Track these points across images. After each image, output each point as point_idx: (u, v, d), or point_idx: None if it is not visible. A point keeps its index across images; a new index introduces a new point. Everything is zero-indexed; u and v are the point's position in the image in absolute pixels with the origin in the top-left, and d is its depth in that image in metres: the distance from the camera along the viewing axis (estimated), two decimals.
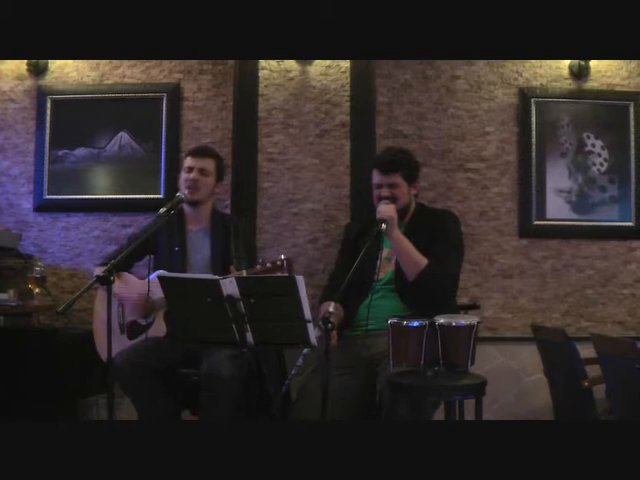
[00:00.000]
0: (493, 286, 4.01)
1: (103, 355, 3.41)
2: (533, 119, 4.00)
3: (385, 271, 3.38)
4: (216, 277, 2.72)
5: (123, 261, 3.21)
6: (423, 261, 3.24)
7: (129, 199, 4.09)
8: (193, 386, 3.23)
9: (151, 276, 3.41)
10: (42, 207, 4.12)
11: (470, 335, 2.75)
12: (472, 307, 3.72)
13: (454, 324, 2.76)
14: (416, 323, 2.77)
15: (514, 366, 3.97)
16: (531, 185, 4.00)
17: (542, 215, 4.00)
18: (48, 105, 4.13)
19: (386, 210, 3.25)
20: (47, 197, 4.12)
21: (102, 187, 4.12)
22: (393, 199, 3.35)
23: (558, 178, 4.00)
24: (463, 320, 2.79)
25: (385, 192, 3.37)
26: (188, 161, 3.52)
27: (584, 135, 4.01)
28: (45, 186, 4.12)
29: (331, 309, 2.84)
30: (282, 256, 3.10)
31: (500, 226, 4.02)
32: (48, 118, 4.13)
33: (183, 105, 4.09)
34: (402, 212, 3.40)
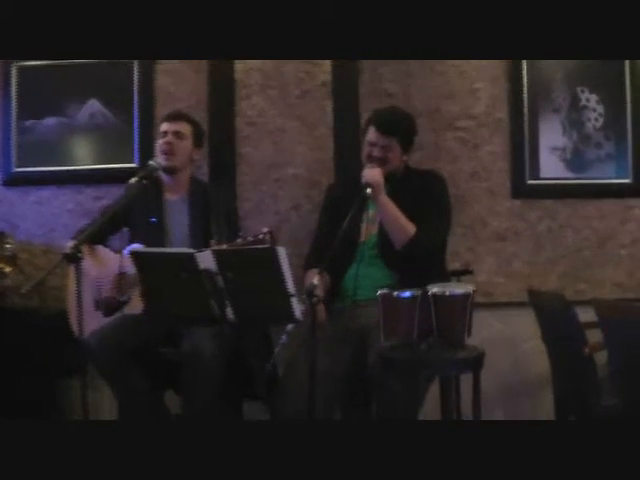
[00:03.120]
0: (486, 250, 3.84)
1: (78, 332, 3.26)
2: (524, 74, 3.80)
3: (369, 233, 3.22)
4: (191, 250, 2.56)
5: (95, 235, 3.06)
6: (411, 229, 3.08)
7: (102, 169, 3.89)
8: (175, 365, 3.07)
9: (125, 250, 3.24)
10: (11, 181, 3.91)
11: (466, 305, 2.58)
12: (464, 272, 3.56)
13: (448, 293, 2.59)
14: (407, 294, 2.60)
15: (509, 332, 3.82)
16: (524, 143, 3.81)
17: (536, 174, 3.82)
18: (13, 73, 3.91)
19: (372, 174, 3.08)
20: (16, 170, 3.91)
21: (73, 158, 3.91)
22: (383, 161, 3.18)
23: (552, 135, 3.81)
24: (458, 289, 2.61)
25: (377, 152, 3.19)
26: (163, 126, 3.34)
27: (578, 90, 3.81)
28: (13, 159, 3.90)
29: (315, 281, 2.68)
30: (265, 228, 2.91)
31: (492, 187, 3.84)
32: (13, 87, 3.90)
33: (156, 69, 3.87)
34: (390, 175, 3.23)
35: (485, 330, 3.78)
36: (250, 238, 2.87)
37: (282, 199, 3.80)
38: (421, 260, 3.11)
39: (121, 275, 3.20)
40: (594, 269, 3.82)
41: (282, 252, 2.48)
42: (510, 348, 3.82)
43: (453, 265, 3.69)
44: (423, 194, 3.22)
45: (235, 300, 2.61)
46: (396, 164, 3.23)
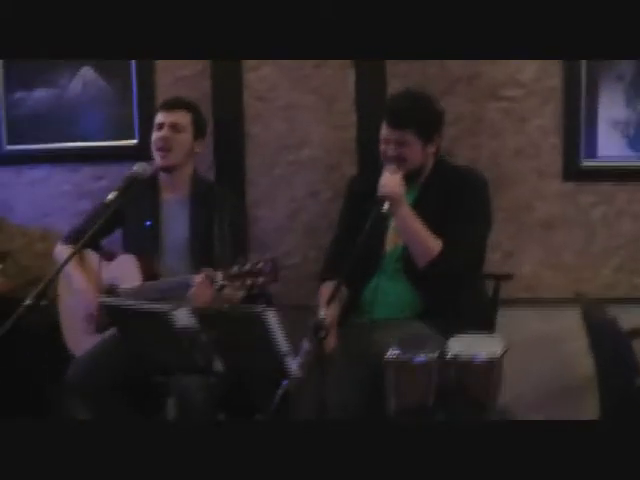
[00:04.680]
0: (531, 238, 3.35)
1: (72, 347, 2.99)
2: None
3: (395, 243, 2.82)
4: (166, 307, 2.21)
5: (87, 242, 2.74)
6: (434, 246, 2.67)
7: (99, 147, 3.51)
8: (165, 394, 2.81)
9: (117, 259, 2.91)
10: (2, 160, 3.56)
11: (491, 370, 2.18)
12: (504, 278, 3.12)
13: (470, 358, 2.18)
14: (421, 358, 2.20)
15: (554, 332, 3.39)
16: (579, 116, 3.24)
17: (592, 153, 3.27)
18: None
19: (389, 185, 2.64)
20: (7, 148, 3.55)
21: (68, 134, 3.51)
22: (400, 160, 2.72)
23: (613, 107, 3.23)
24: (483, 350, 2.20)
25: (392, 151, 2.74)
26: (158, 117, 2.94)
27: None
28: (3, 136, 3.53)
29: (323, 313, 2.32)
30: (267, 256, 2.52)
31: (541, 167, 3.31)
32: None
33: None
34: (414, 174, 2.78)
35: (526, 329, 3.38)
36: (248, 267, 2.49)
37: (297, 185, 3.37)
38: (448, 281, 2.71)
39: (112, 287, 2.88)
40: None
41: (271, 315, 2.13)
42: (554, 349, 3.40)
43: (493, 255, 3.26)
44: (456, 199, 2.77)
45: (223, 356, 2.29)
46: (417, 161, 2.77)
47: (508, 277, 3.13)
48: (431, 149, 2.81)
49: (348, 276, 2.66)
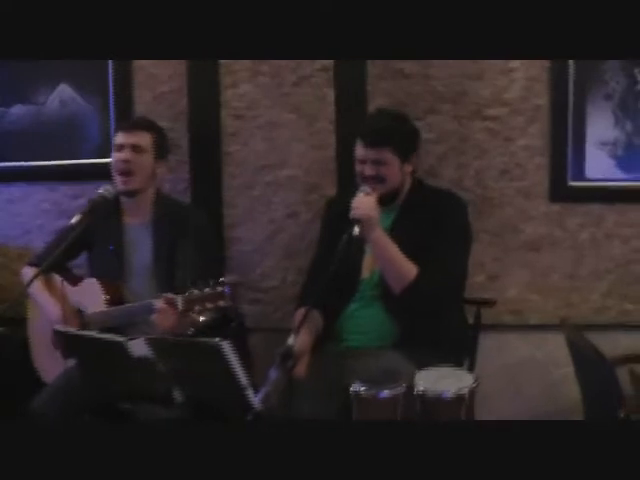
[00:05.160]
0: (517, 261, 3.25)
1: (42, 372, 2.93)
2: None
3: (372, 268, 2.75)
4: (121, 338, 2.13)
5: (52, 265, 2.67)
6: (409, 271, 2.57)
7: (77, 165, 3.44)
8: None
9: (82, 283, 2.84)
10: None
11: (459, 408, 2.08)
12: (485, 303, 3.02)
13: (436, 394, 2.09)
14: (385, 393, 2.11)
15: (541, 357, 3.29)
16: (567, 136, 3.13)
17: (580, 174, 3.16)
18: None
19: (363, 206, 2.55)
20: None
21: (44, 151, 3.45)
22: (378, 180, 2.64)
23: (601, 127, 3.13)
24: (452, 386, 2.10)
25: (369, 170, 2.67)
26: (117, 138, 2.86)
27: (636, 71, 3.09)
28: None
29: (291, 341, 2.26)
30: (227, 277, 2.44)
31: (527, 187, 3.20)
32: None
33: None
34: (392, 194, 2.71)
35: (513, 355, 3.29)
36: (207, 290, 2.41)
37: (276, 205, 3.28)
38: (425, 308, 2.62)
39: (79, 313, 2.81)
40: None
41: (226, 347, 2.05)
42: (541, 375, 3.30)
43: (476, 278, 3.18)
44: (435, 222, 2.68)
45: (182, 386, 2.21)
46: (396, 180, 2.70)
47: (490, 303, 3.02)
48: (408, 168, 2.73)
49: (323, 302, 2.60)
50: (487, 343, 3.06)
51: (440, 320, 2.69)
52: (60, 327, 2.44)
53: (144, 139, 2.81)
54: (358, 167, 2.69)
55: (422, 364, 2.44)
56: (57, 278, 2.86)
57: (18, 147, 3.46)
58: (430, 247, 2.62)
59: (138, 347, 2.11)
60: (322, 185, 3.23)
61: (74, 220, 2.59)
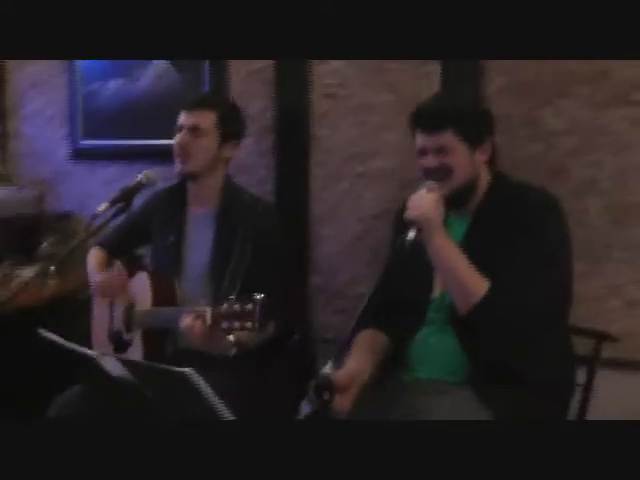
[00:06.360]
0: None
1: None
2: None
3: (444, 287, 2.23)
4: (93, 353, 1.85)
5: (117, 246, 2.71)
6: (479, 289, 2.04)
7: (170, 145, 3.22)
8: None
9: (136, 276, 2.60)
10: (78, 155, 3.41)
11: None
12: (605, 338, 2.38)
13: None
14: None
15: None
16: None
17: None
18: None
19: (419, 205, 2.07)
20: (82, 143, 3.38)
21: (140, 129, 3.27)
22: (443, 172, 2.13)
23: None
24: None
25: (431, 161, 2.16)
26: (180, 118, 2.57)
27: None
28: (79, 130, 3.37)
29: (327, 369, 1.90)
30: (257, 296, 2.05)
31: None
32: None
33: None
34: (465, 192, 2.19)
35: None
36: (237, 307, 2.05)
37: (366, 201, 2.84)
38: (496, 334, 2.08)
39: (131, 307, 2.57)
40: None
41: (194, 376, 1.69)
42: None
43: (609, 303, 2.55)
44: (516, 229, 2.11)
45: (160, 410, 1.90)
46: (466, 172, 2.16)
47: (612, 338, 2.38)
48: (481, 158, 2.17)
49: (387, 325, 2.23)
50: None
51: (528, 352, 2.12)
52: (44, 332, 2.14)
53: (206, 119, 2.50)
54: (419, 161, 2.19)
55: (500, 406, 2.00)
56: (118, 264, 2.66)
57: (116, 124, 3.32)
58: (507, 262, 2.07)
59: (110, 365, 1.81)
60: (419, 180, 2.74)
61: (101, 208, 2.32)
